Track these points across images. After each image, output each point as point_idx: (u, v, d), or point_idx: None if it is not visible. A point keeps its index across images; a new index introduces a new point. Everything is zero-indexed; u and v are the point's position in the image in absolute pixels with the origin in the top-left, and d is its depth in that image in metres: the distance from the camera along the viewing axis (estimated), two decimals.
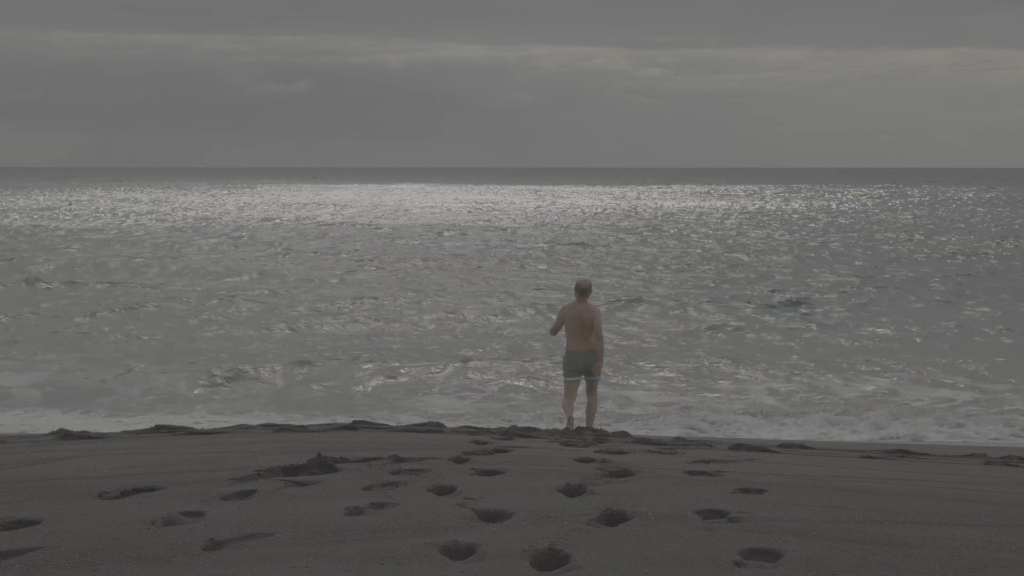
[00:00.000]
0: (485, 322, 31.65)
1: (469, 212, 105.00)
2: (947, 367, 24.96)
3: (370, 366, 24.77)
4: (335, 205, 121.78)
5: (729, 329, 30.94)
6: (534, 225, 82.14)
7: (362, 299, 36.67)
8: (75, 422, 18.18)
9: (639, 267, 49.91)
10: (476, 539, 6.52)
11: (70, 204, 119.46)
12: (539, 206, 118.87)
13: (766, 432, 18.47)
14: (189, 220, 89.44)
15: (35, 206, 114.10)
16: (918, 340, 29.09)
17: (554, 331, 17.27)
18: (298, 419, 18.34)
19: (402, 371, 24.33)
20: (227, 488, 8.09)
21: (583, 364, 16.75)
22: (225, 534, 6.62)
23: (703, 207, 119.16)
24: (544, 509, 7.27)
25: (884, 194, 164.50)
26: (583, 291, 16.77)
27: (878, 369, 24.70)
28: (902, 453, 12.39)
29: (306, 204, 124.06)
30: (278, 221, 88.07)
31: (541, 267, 49.27)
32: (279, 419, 18.24)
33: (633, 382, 23.23)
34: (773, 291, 39.68)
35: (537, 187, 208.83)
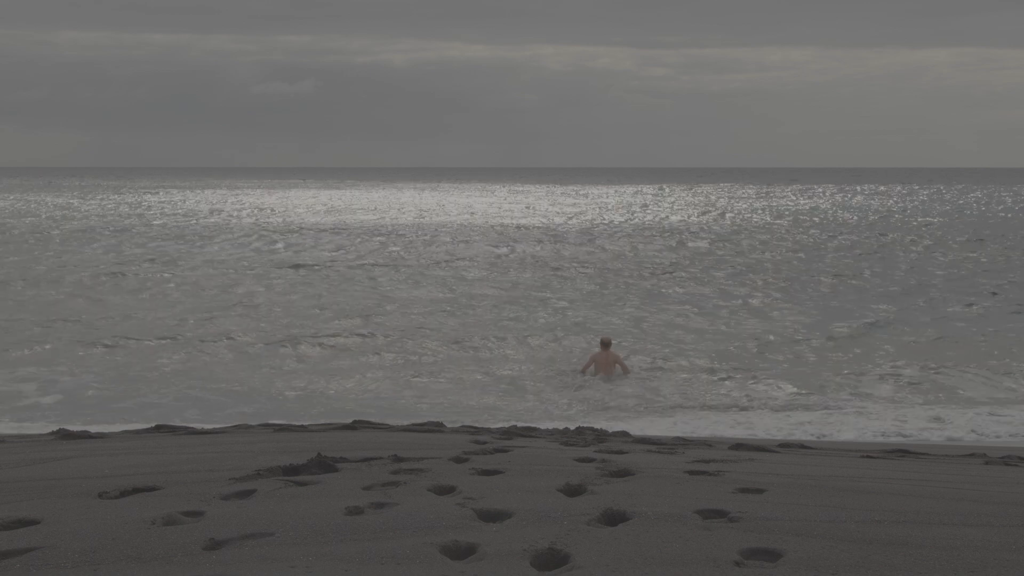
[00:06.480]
0: (486, 321, 31.65)
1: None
2: None
3: (369, 364, 24.77)
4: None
5: None
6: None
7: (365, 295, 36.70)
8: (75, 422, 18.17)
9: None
10: (476, 539, 6.52)
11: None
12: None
13: None
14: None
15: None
16: None
17: (583, 370, 23.72)
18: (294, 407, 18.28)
19: (402, 369, 24.33)
20: (227, 488, 8.09)
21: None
22: (225, 534, 6.62)
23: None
24: (544, 509, 7.27)
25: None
26: (606, 344, 23.94)
27: None
28: (902, 453, 12.39)
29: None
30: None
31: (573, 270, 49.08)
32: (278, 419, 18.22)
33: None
34: None
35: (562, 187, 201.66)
